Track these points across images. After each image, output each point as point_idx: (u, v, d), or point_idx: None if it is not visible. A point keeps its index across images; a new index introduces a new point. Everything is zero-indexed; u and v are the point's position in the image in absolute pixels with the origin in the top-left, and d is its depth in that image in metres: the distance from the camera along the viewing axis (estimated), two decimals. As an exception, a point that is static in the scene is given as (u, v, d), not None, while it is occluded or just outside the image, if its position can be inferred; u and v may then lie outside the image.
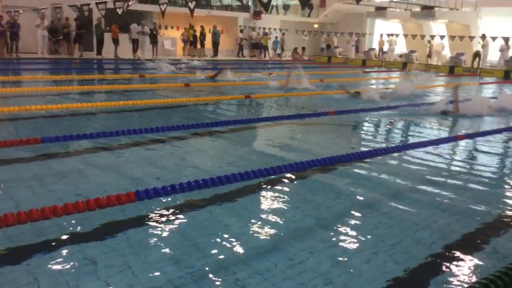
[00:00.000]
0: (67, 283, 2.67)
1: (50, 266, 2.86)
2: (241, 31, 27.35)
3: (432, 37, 26.00)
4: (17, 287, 2.61)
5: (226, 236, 3.38)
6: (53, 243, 3.15)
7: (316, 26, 32.51)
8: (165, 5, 11.00)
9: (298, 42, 30.32)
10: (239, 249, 3.19)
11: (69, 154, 5.38)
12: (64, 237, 3.25)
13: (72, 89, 10.71)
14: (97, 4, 15.10)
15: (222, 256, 3.07)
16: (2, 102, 8.32)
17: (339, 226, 3.71)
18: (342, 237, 3.47)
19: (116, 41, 21.89)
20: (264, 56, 28.68)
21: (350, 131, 7.80)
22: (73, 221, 3.45)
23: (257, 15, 28.59)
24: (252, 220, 3.73)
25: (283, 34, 29.39)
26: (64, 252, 3.05)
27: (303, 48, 29.88)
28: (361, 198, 4.39)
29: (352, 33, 29.30)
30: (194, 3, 9.85)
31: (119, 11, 13.34)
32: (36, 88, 10.19)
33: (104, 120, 7.59)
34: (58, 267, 2.85)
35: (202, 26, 25.73)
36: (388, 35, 28.00)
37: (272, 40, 28.77)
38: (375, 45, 30.18)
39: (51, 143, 5.49)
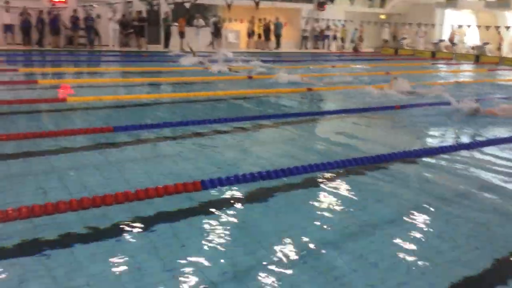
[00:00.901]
0: (131, 263, 2.80)
1: (119, 247, 3.01)
2: (306, 22, 27.05)
3: (507, 28, 24.46)
4: (93, 261, 2.78)
5: (285, 229, 3.40)
6: (123, 227, 3.30)
7: (382, 16, 31.56)
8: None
9: (364, 33, 29.59)
10: (297, 243, 3.19)
11: (139, 142, 5.59)
12: (134, 220, 3.40)
13: (141, 81, 11.11)
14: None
15: (279, 250, 3.08)
16: (77, 92, 8.80)
17: (403, 223, 3.62)
18: (406, 235, 3.39)
19: (182, 34, 22.41)
20: (328, 48, 28.27)
21: (415, 126, 7.51)
22: (142, 207, 3.60)
23: (321, 6, 28.18)
24: (312, 214, 3.72)
25: (361, 25, 28.88)
26: (132, 235, 3.20)
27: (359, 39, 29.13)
28: (428, 195, 4.24)
29: (421, 24, 28.18)
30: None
31: (187, 5, 13.64)
32: (109, 79, 10.69)
33: (170, 110, 7.82)
34: (126, 248, 3.00)
35: (265, 19, 25.75)
36: (459, 26, 26.65)
37: (349, 31, 28.30)
38: (445, 37, 28.85)
39: (122, 132, 5.76)
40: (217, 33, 23.41)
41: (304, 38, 27.05)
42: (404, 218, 3.70)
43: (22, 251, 2.92)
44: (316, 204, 3.92)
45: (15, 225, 3.15)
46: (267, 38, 26.10)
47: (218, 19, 23.99)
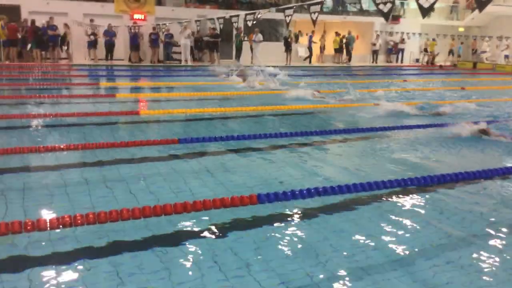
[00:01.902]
0: (188, 274, 2.92)
1: (179, 255, 3.15)
2: (377, 36, 26.58)
3: None
4: (155, 265, 2.93)
5: (341, 245, 3.37)
6: (184, 235, 3.45)
7: (461, 29, 30.27)
8: (290, 17, 11.23)
9: (441, 47, 28.52)
10: (354, 260, 3.16)
11: (202, 154, 5.80)
12: (193, 230, 3.53)
13: (210, 95, 11.47)
14: (231, 17, 16.00)
15: (334, 266, 3.07)
16: (150, 106, 9.28)
17: (470, 245, 3.46)
18: (476, 257, 3.24)
19: (253, 49, 22.88)
20: (401, 62, 27.56)
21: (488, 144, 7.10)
22: (201, 217, 3.73)
23: (395, 19, 27.58)
24: (371, 232, 3.65)
25: (433, 39, 28.00)
26: (192, 244, 3.33)
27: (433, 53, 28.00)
28: (502, 217, 4.03)
29: (502, 37, 26.69)
30: (317, 14, 9.87)
31: (249, 23, 13.96)
32: (179, 93, 11.15)
33: (235, 124, 8.00)
34: (187, 256, 3.13)
35: (336, 33, 25.64)
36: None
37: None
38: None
39: (187, 144, 6.01)
40: (287, 47, 23.62)
41: (374, 52, 26.48)
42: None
43: (92, 254, 3.14)
44: (378, 221, 3.85)
45: (87, 229, 3.40)
46: (339, 52, 25.94)
47: (289, 33, 24.22)
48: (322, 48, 26.40)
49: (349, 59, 25.97)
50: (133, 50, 21.01)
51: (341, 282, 2.89)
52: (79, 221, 3.37)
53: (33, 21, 18.75)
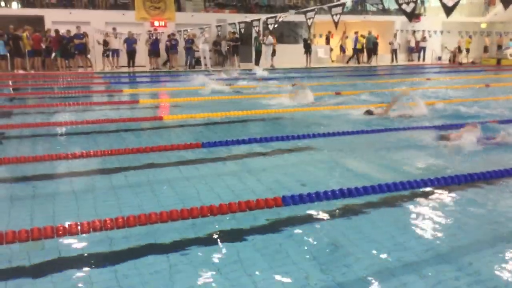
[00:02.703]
0: (213, 276, 2.96)
1: (204, 257, 3.18)
2: (395, 35, 26.22)
3: None
4: (179, 270, 2.98)
5: (368, 246, 3.36)
6: (210, 238, 3.49)
7: (483, 26, 29.74)
8: (311, 19, 11.24)
9: (461, 44, 28.06)
10: (380, 261, 3.15)
11: (225, 158, 5.84)
12: (217, 233, 3.58)
13: (226, 98, 11.48)
14: (252, 21, 16.08)
15: (363, 267, 3.06)
16: (172, 111, 9.39)
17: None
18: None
19: (273, 52, 22.92)
20: (423, 60, 27.23)
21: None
22: (226, 220, 3.78)
23: (415, 17, 27.28)
24: (397, 233, 3.63)
25: (470, 36, 27.60)
26: (219, 246, 3.37)
27: (467, 50, 27.54)
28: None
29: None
30: (338, 16, 9.85)
31: (271, 27, 14.01)
32: (200, 98, 11.24)
33: (257, 127, 8.04)
34: (213, 260, 3.17)
35: (356, 33, 25.50)
36: None
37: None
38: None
39: (210, 148, 6.07)
40: (307, 49, 23.59)
41: (394, 51, 26.15)
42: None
43: (118, 257, 3.21)
44: (405, 222, 3.83)
45: (113, 233, 3.47)
46: (360, 52, 25.79)
47: (309, 35, 24.20)
48: (342, 49, 26.34)
49: (369, 59, 25.78)
50: (153, 56, 21.28)
51: (367, 284, 2.88)
52: (109, 225, 3.45)
53: (57, 31, 19.19)
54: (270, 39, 22.25)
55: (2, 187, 4.79)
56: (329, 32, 27.07)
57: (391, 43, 26.03)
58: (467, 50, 27.23)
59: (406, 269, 3.03)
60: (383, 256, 3.21)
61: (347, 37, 26.34)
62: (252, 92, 12.55)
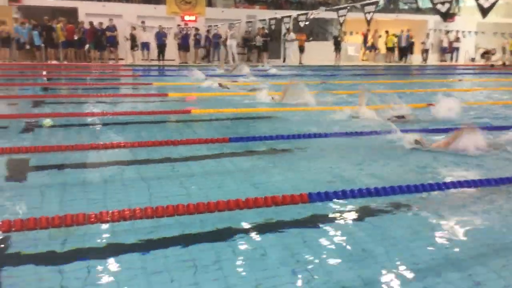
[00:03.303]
0: (238, 270, 2.99)
1: (230, 251, 3.23)
2: (427, 34, 25.72)
3: None
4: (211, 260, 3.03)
5: (393, 247, 3.34)
6: (235, 232, 3.53)
7: (520, 27, 28.88)
8: (343, 17, 11.16)
9: (498, 45, 27.35)
10: (404, 262, 3.13)
11: (252, 153, 5.86)
12: (244, 228, 3.61)
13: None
14: (282, 17, 16.06)
15: (389, 267, 3.05)
16: (202, 105, 9.45)
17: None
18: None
19: (302, 49, 22.84)
20: (456, 61, 26.67)
21: None
22: (251, 215, 3.81)
23: (450, 17, 26.72)
24: (427, 233, 3.60)
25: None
26: (243, 241, 3.40)
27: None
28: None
29: None
30: (371, 14, 9.75)
31: (301, 24, 13.96)
32: (228, 93, 11.31)
33: (282, 123, 7.99)
34: (239, 253, 3.20)
35: (387, 31, 25.16)
36: None
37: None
38: None
39: (237, 142, 6.11)
40: (337, 46, 23.41)
41: (424, 51, 25.63)
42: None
43: (146, 247, 3.28)
44: (431, 224, 3.79)
45: (141, 223, 3.55)
46: (391, 51, 25.47)
47: (339, 33, 24.00)
48: (371, 47, 26.04)
49: (400, 58, 25.42)
50: (183, 51, 21.49)
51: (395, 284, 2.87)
52: (138, 215, 3.53)
53: (91, 23, 19.58)
54: (292, 35, 22.18)
55: (36, 174, 4.93)
56: (353, 32, 26.75)
57: (423, 43, 25.55)
58: (492, 51, 26.45)
59: (436, 270, 3.01)
60: (411, 256, 3.19)
61: (380, 36, 26.01)
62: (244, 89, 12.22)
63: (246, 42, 22.89)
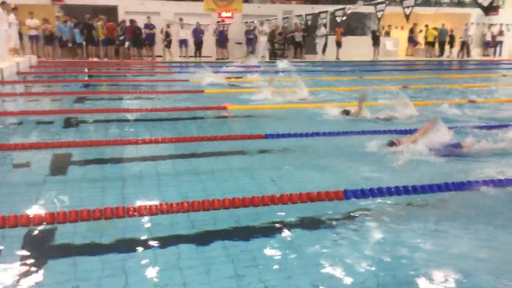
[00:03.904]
0: (273, 266, 3.01)
1: (265, 246, 3.25)
2: (466, 29, 24.74)
3: None
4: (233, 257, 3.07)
5: (430, 247, 3.28)
6: (270, 228, 3.55)
7: None
8: (382, 12, 10.94)
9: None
10: (437, 264, 3.06)
11: (287, 150, 5.85)
12: (279, 223, 3.62)
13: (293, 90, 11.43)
14: (320, 13, 15.89)
15: (425, 267, 3.00)
16: (237, 101, 9.51)
17: None
18: None
19: (339, 44, 22.58)
20: (500, 55, 25.73)
21: None
22: (286, 211, 3.81)
23: (493, 10, 25.77)
24: (457, 236, 3.51)
25: None
26: (277, 236, 3.41)
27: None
28: None
29: None
30: (410, 8, 9.52)
31: (338, 19, 13.80)
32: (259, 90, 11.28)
33: (320, 119, 7.90)
34: (273, 248, 3.22)
35: (426, 25, 24.53)
36: None
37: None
38: None
39: (273, 139, 6.11)
40: (375, 41, 23.00)
41: (464, 45, 24.73)
42: None
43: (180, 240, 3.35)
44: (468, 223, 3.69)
45: (177, 217, 3.62)
46: (431, 45, 24.83)
47: (377, 27, 23.57)
48: (412, 42, 25.44)
49: (442, 53, 24.76)
50: (220, 47, 21.64)
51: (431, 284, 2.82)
52: (174, 209, 3.61)
53: (132, 21, 20.00)
54: (323, 30, 21.91)
55: (77, 168, 5.11)
56: (391, 26, 26.12)
57: (462, 37, 24.74)
58: None
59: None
60: (443, 258, 3.13)
61: (420, 30, 25.39)
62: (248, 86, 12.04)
63: (284, 38, 22.76)
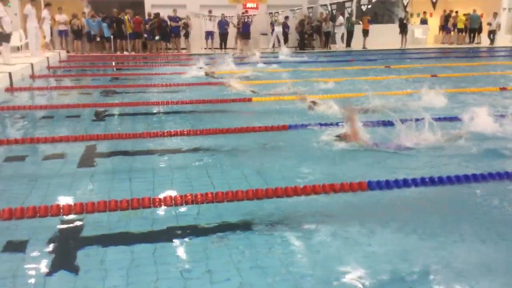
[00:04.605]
0: (300, 257, 3.04)
1: (290, 236, 3.27)
2: (494, 14, 23.79)
3: None
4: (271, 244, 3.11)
5: (449, 239, 3.24)
6: (294, 218, 3.57)
7: None
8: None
9: None
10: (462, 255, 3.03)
11: (310, 141, 5.77)
12: (303, 213, 3.64)
13: (317, 81, 11.37)
14: (344, 1, 15.65)
15: (452, 259, 2.97)
16: (261, 92, 9.50)
17: None
18: None
19: (366, 33, 22.23)
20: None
21: None
22: (308, 202, 3.83)
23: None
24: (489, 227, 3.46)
25: None
26: (304, 226, 3.43)
27: None
28: None
29: None
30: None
31: (363, 8, 13.57)
32: (286, 80, 11.25)
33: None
34: (299, 238, 3.25)
35: (457, 12, 23.87)
36: None
37: None
38: None
39: (297, 130, 6.11)
40: (402, 29, 22.52)
41: (491, 32, 23.82)
42: None
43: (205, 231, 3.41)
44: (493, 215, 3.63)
45: (202, 207, 3.68)
46: (462, 32, 24.14)
47: (405, 14, 23.07)
48: (442, 29, 24.82)
49: (472, 40, 24.07)
50: (244, 38, 21.60)
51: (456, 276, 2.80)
52: (199, 200, 3.68)
53: (157, 14, 20.17)
54: (340, 19, 21.53)
55: (106, 160, 5.23)
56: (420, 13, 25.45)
57: (489, 24, 23.90)
58: None
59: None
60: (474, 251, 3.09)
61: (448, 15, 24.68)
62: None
63: (312, 28, 22.50)
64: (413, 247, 3.10)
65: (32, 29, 14.43)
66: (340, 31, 21.90)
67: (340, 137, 5.49)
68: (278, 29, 21.53)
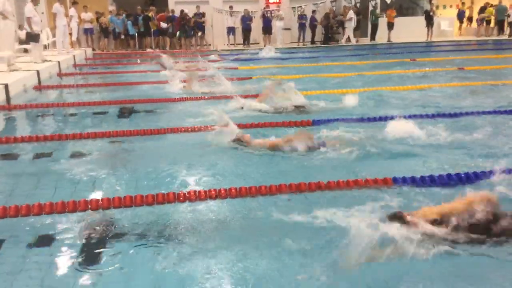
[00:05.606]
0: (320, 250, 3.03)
1: (310, 229, 3.27)
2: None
3: None
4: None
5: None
6: (317, 212, 3.55)
7: None
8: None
9: None
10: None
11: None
12: (325, 209, 3.60)
13: (339, 76, 11.28)
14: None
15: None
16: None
17: None
18: None
19: (391, 26, 21.90)
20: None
21: None
22: (338, 196, 3.83)
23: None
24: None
25: None
26: (327, 220, 3.41)
27: None
28: None
29: None
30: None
31: (388, 1, 13.34)
32: (304, 75, 11.19)
33: (367, 104, 7.71)
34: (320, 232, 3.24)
35: (487, 3, 23.27)
36: None
37: None
38: None
39: (320, 125, 6.07)
40: (428, 21, 22.10)
41: (509, 24, 23.03)
42: None
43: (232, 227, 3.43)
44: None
45: (225, 202, 3.72)
46: (488, 23, 23.55)
47: (431, 6, 22.63)
48: (469, 21, 24.28)
49: (501, 31, 23.45)
50: (266, 34, 21.54)
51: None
52: (223, 194, 3.72)
53: (182, 11, 20.33)
54: (351, 13, 21.17)
55: (131, 156, 5.29)
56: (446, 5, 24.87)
57: (508, 15, 23.18)
58: None
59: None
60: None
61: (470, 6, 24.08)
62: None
63: (337, 21, 22.27)
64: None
65: (61, 27, 14.73)
66: (350, 25, 21.60)
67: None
68: (279, 24, 21.40)
